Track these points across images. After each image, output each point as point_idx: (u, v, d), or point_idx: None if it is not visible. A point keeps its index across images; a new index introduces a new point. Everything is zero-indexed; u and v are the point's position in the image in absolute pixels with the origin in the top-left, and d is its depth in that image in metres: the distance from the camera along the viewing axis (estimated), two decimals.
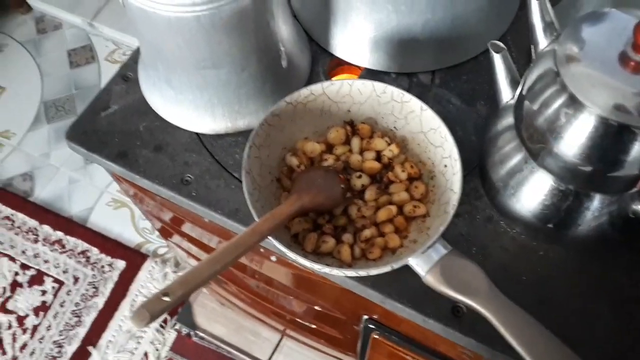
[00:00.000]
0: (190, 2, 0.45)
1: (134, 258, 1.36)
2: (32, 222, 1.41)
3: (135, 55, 0.64)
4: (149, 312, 0.36)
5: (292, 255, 0.47)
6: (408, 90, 0.61)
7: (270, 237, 0.46)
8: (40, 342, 1.27)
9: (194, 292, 0.39)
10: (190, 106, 0.56)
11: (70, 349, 1.25)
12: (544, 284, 0.50)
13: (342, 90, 0.55)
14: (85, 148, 0.59)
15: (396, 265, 0.45)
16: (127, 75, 0.63)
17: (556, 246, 0.52)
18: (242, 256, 0.43)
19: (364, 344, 0.70)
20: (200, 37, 0.48)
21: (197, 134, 0.59)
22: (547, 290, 0.50)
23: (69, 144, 0.60)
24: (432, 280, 0.45)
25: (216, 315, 1.26)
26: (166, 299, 0.37)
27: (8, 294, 1.33)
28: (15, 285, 1.34)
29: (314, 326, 0.82)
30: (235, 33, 0.49)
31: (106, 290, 1.33)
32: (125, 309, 1.30)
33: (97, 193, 1.46)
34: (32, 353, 1.26)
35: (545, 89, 0.42)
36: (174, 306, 0.38)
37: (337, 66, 0.66)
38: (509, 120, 0.49)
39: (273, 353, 1.22)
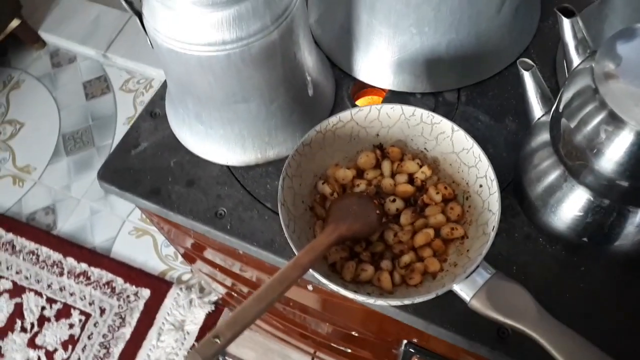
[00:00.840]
0: (221, 41, 0.45)
1: (159, 286, 1.36)
2: (57, 256, 1.43)
3: (161, 92, 0.64)
4: (202, 356, 0.36)
5: (332, 286, 0.46)
6: (434, 109, 0.62)
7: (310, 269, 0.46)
8: None
9: (242, 332, 0.39)
10: (221, 140, 0.56)
11: None
12: (589, 300, 0.50)
13: (370, 115, 0.55)
14: (117, 187, 0.59)
15: (441, 292, 0.45)
16: (155, 111, 0.63)
17: (600, 263, 0.51)
18: (287, 291, 0.43)
19: None
20: (230, 73, 0.48)
21: (228, 167, 0.59)
22: (592, 306, 0.49)
23: (101, 184, 0.60)
24: (478, 305, 0.45)
25: (244, 340, 1.25)
26: (217, 341, 0.37)
27: (36, 329, 1.34)
28: (42, 319, 1.35)
29: (348, 350, 0.81)
30: (264, 67, 0.49)
31: (132, 320, 1.33)
32: (152, 338, 1.31)
33: (119, 222, 1.47)
34: None
35: (584, 107, 0.41)
36: (225, 347, 0.38)
37: (361, 89, 0.66)
38: (543, 137, 0.49)
39: None
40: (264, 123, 0.55)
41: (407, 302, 0.45)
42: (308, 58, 0.55)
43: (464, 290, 0.45)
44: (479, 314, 0.45)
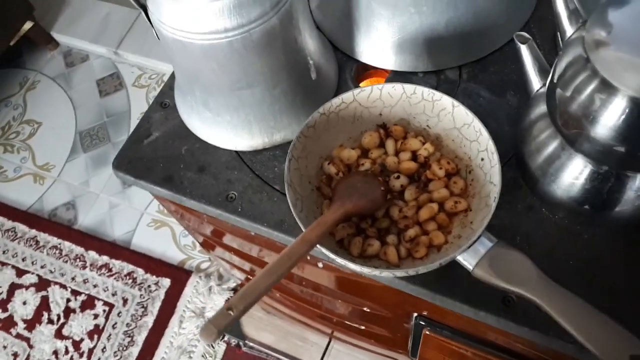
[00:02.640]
0: (223, 29, 0.47)
1: (179, 275, 1.40)
2: (79, 249, 1.47)
3: (170, 82, 0.67)
4: (216, 327, 0.38)
5: (340, 260, 0.48)
6: (436, 87, 0.63)
7: (318, 245, 0.48)
8: None
9: (254, 304, 0.41)
10: (228, 126, 0.58)
11: None
12: (592, 266, 0.51)
13: (372, 95, 0.56)
14: (132, 176, 0.61)
15: (444, 262, 0.46)
16: (165, 102, 0.66)
17: (600, 228, 0.52)
18: (295, 265, 0.45)
19: (415, 340, 0.71)
20: (233, 60, 0.50)
21: (236, 152, 0.61)
22: (596, 272, 0.50)
23: (116, 173, 0.62)
24: (481, 273, 0.46)
25: (263, 324, 1.28)
26: (230, 313, 0.39)
27: (62, 320, 1.38)
28: (68, 311, 1.39)
29: (362, 327, 0.83)
30: (265, 52, 0.51)
31: (154, 308, 1.37)
32: (174, 326, 1.34)
33: (138, 215, 1.51)
34: None
35: (577, 76, 0.42)
36: (238, 319, 0.40)
37: (364, 71, 0.68)
38: (541, 108, 0.50)
39: (323, 357, 1.23)
40: (269, 108, 0.57)
41: (411, 272, 0.47)
42: (309, 42, 0.57)
43: (467, 260, 0.47)
44: (482, 282, 0.47)
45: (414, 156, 0.56)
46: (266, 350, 1.27)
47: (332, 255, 0.48)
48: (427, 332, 0.65)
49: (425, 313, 0.64)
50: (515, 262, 0.46)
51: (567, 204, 0.50)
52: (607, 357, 0.41)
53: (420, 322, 0.64)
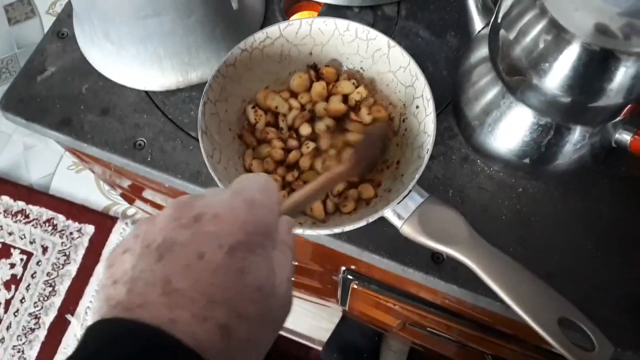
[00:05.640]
0: None
1: (103, 221, 1.32)
2: None
3: (69, 8, 0.57)
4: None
5: None
6: (373, 25, 0.57)
7: None
8: (15, 315, 1.24)
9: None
10: (135, 61, 0.50)
11: (48, 319, 1.23)
12: (525, 221, 0.49)
13: (301, 31, 0.50)
14: (23, 118, 0.53)
15: (371, 219, 0.42)
16: (62, 31, 0.56)
17: (536, 182, 0.50)
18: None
19: (344, 293, 0.69)
20: None
21: (146, 92, 0.54)
22: (529, 227, 0.48)
23: (4, 115, 0.54)
24: (409, 230, 0.43)
25: None
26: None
27: None
28: None
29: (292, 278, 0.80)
30: None
31: (77, 256, 1.29)
32: (99, 274, 1.27)
33: (56, 157, 1.39)
34: (8, 327, 1.23)
35: (523, 15, 0.38)
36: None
37: (295, 3, 0.61)
38: (482, 51, 0.45)
39: None
40: (181, 40, 0.49)
41: (337, 230, 0.43)
42: None
43: (395, 216, 0.43)
44: (410, 239, 0.44)
45: (345, 100, 0.51)
46: None
47: None
48: (355, 286, 0.62)
49: (353, 267, 0.61)
50: (446, 220, 0.43)
51: (503, 156, 0.47)
52: (535, 319, 0.39)
53: (348, 276, 0.61)
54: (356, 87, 0.51)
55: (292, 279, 0.29)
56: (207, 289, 0.23)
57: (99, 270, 1.27)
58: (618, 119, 0.41)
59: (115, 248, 0.26)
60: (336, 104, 0.50)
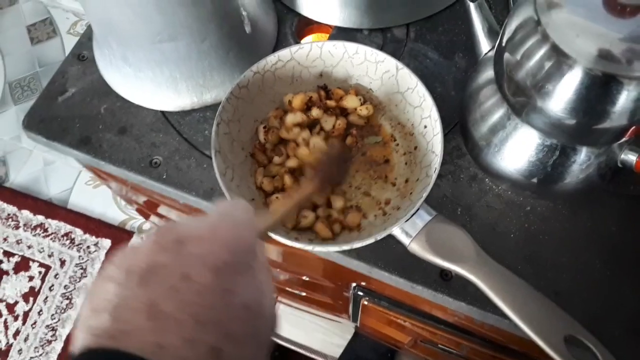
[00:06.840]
0: None
1: (120, 236, 1.34)
2: (11, 209, 1.38)
3: (89, 32, 0.59)
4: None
5: (274, 236, 0.45)
6: (382, 46, 0.58)
7: None
8: (33, 327, 1.26)
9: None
10: (152, 83, 0.52)
11: (64, 331, 1.25)
12: (533, 239, 0.49)
13: (312, 53, 0.52)
14: (44, 137, 0.55)
15: (380, 237, 0.43)
16: (83, 54, 0.59)
17: (544, 200, 0.50)
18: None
19: (355, 309, 0.69)
20: (151, 8, 0.44)
21: (162, 112, 0.56)
22: (537, 245, 0.49)
23: (27, 134, 0.56)
24: (417, 248, 0.44)
25: None
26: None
27: None
28: (0, 273, 1.32)
29: (303, 294, 0.81)
30: (188, 1, 0.45)
31: (94, 270, 1.31)
32: None
33: (75, 173, 1.42)
34: (26, 339, 1.25)
35: (526, 40, 0.39)
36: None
37: (306, 26, 0.62)
38: (488, 73, 0.46)
39: None
40: (196, 64, 0.51)
41: (345, 247, 0.44)
42: None
43: (404, 234, 0.44)
44: (418, 257, 0.44)
45: (346, 114, 0.53)
46: None
47: None
48: (366, 303, 0.63)
49: (363, 284, 0.62)
50: (453, 238, 0.44)
51: (510, 175, 0.48)
52: (542, 336, 0.39)
53: (359, 293, 0.62)
54: (362, 104, 0.52)
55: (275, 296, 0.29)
56: (194, 309, 0.23)
57: None
58: (623, 139, 0.41)
59: (96, 278, 0.25)
60: (342, 120, 0.52)
